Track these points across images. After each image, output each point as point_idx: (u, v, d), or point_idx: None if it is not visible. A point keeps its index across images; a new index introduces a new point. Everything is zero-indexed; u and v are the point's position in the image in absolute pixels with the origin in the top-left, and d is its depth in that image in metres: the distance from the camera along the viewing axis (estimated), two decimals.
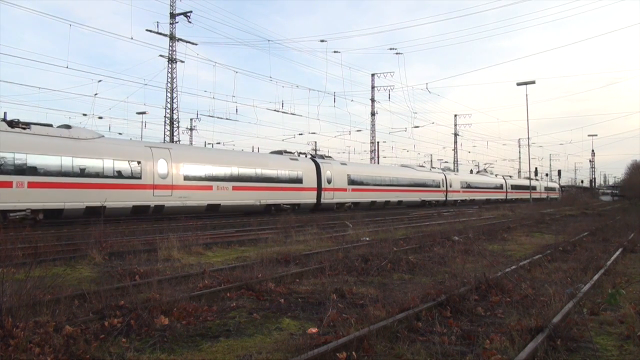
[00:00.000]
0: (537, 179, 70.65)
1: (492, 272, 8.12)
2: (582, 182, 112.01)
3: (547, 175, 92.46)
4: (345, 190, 33.17)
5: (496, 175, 63.82)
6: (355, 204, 34.22)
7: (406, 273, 9.33)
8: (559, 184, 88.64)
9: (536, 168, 65.60)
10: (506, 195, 59.71)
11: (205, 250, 11.92)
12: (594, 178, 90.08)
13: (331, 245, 12.68)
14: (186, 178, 23.19)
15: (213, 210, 24.64)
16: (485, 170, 67.29)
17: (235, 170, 25.71)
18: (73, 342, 4.59)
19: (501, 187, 59.73)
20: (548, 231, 18.76)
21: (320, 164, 31.61)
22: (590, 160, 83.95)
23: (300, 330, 5.46)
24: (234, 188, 25.40)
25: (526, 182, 65.34)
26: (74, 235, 14.79)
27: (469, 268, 8.94)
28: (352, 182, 33.93)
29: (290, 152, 31.92)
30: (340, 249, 11.39)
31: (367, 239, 13.91)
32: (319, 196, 30.94)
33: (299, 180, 29.36)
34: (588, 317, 5.67)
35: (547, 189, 75.82)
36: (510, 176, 67.44)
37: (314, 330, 5.27)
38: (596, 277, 8.22)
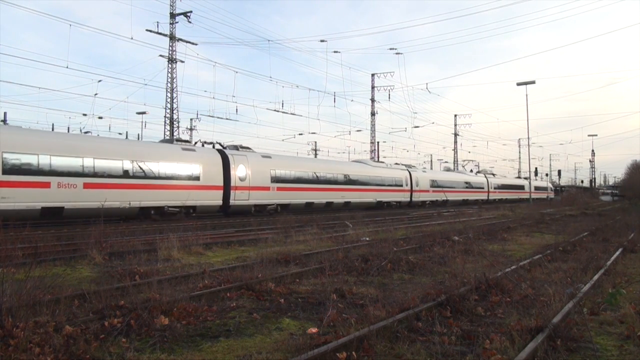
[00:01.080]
0: (526, 178, 66.89)
1: (492, 272, 8.12)
2: (582, 182, 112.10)
3: (547, 175, 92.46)
4: (267, 189, 27.31)
5: (477, 173, 57.74)
6: (283, 205, 28.28)
7: (406, 273, 9.33)
8: (551, 183, 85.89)
9: (536, 168, 65.56)
10: (488, 196, 54.15)
11: (205, 250, 11.93)
12: (594, 178, 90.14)
13: (331, 245, 12.68)
14: (6, 170, 17.09)
15: (52, 215, 18.49)
16: (464, 167, 64.04)
17: (89, 161, 19.43)
18: (73, 342, 4.59)
19: (482, 186, 53.20)
20: (548, 231, 18.76)
21: (230, 156, 25.48)
22: (590, 160, 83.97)
23: (300, 330, 5.46)
24: (86, 185, 19.29)
25: (512, 181, 63.20)
26: (74, 235, 14.78)
27: (469, 268, 8.94)
28: (277, 179, 27.94)
29: (186, 141, 26.59)
30: (340, 249, 11.39)
31: (367, 239, 13.91)
32: (227, 196, 24.99)
33: (194, 177, 23.44)
34: (588, 317, 5.67)
35: (538, 188, 70.83)
36: (494, 174, 61.08)
37: (314, 330, 5.27)
38: (596, 277, 8.22)
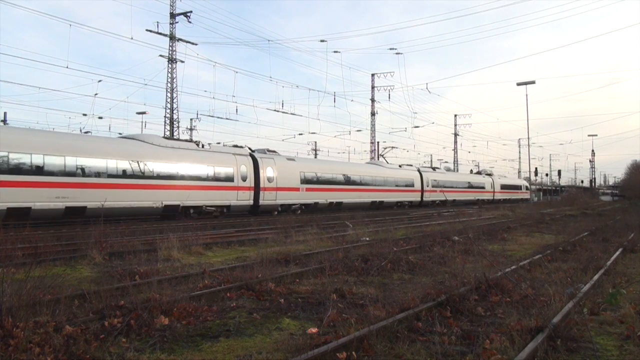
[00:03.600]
0: (489, 174, 60.32)
1: (492, 272, 8.11)
2: (582, 182, 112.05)
3: (547, 175, 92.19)
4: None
5: (400, 166, 43.74)
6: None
7: (406, 273, 9.33)
8: (525, 180, 74.54)
9: (536, 168, 65.12)
10: (421, 196, 43.29)
11: (205, 250, 11.92)
12: (594, 178, 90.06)
13: (331, 245, 12.68)
14: None
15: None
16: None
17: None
18: (73, 342, 4.59)
19: (412, 184, 41.98)
20: (548, 231, 18.77)
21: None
22: (590, 160, 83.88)
23: (300, 330, 5.46)
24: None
25: (466, 178, 54.28)
26: (74, 235, 14.78)
27: (469, 268, 8.93)
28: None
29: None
30: (340, 249, 11.39)
31: (367, 239, 13.91)
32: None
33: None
34: (588, 317, 5.66)
35: (507, 187, 62.73)
36: (434, 168, 50.79)
37: (314, 330, 5.27)
38: (596, 277, 8.22)
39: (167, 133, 37.34)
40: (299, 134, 53.99)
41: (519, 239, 16.03)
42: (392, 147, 51.66)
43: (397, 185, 39.40)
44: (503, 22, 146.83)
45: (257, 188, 26.55)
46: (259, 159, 27.13)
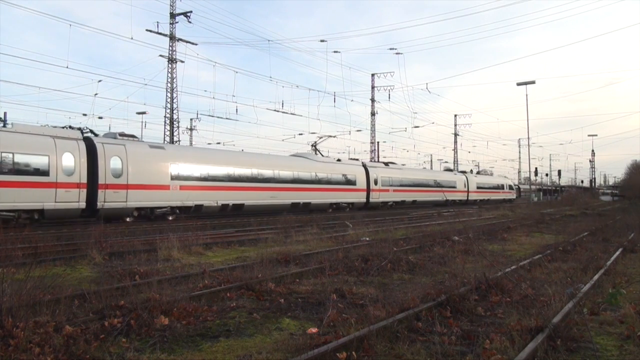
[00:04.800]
0: (463, 172, 55.08)
1: (492, 272, 8.12)
2: (582, 182, 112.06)
3: (547, 175, 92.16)
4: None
5: (339, 160, 36.50)
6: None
7: (406, 273, 9.32)
8: (507, 177, 68.93)
9: (536, 168, 64.77)
10: (368, 197, 36.07)
11: (205, 250, 11.92)
12: (594, 178, 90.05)
13: (331, 245, 12.68)
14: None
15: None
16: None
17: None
18: (73, 342, 4.59)
19: (352, 181, 34.56)
20: (548, 231, 18.77)
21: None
22: (590, 160, 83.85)
23: (300, 330, 5.46)
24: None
25: (432, 175, 47.05)
26: (74, 235, 14.79)
27: (469, 268, 8.94)
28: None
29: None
30: (340, 249, 11.39)
31: (367, 239, 13.91)
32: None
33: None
34: (588, 317, 5.66)
35: (485, 186, 56.10)
36: (388, 163, 41.91)
37: (314, 330, 5.27)
38: (596, 277, 8.22)
39: (167, 133, 37.35)
40: (299, 134, 53.89)
41: (519, 239, 16.03)
42: (329, 136, 38.83)
43: (331, 183, 32.17)
44: (503, 22, 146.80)
45: (92, 185, 19.66)
46: (98, 146, 20.12)
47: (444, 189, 46.01)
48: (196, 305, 6.15)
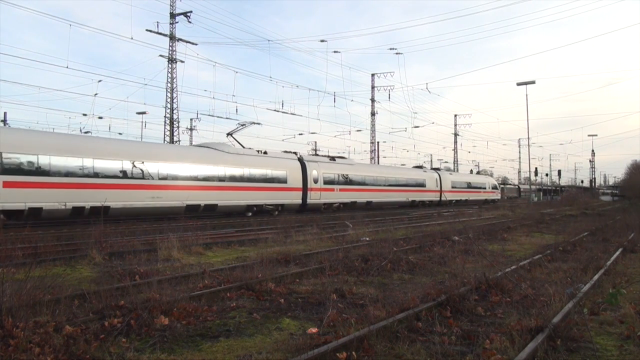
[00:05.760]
0: (437, 169, 51.52)
1: (492, 272, 8.12)
2: (582, 182, 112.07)
3: (547, 175, 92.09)
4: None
5: (266, 152, 28.99)
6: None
7: (406, 273, 9.32)
8: (489, 175, 64.84)
9: (536, 168, 64.68)
10: (304, 197, 30.25)
11: (205, 250, 11.92)
12: (594, 178, 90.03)
13: (331, 245, 12.68)
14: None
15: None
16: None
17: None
18: (73, 342, 4.58)
19: (281, 179, 28.73)
20: (548, 231, 18.76)
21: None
22: (590, 160, 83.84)
23: (300, 330, 5.46)
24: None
25: (394, 173, 40.99)
26: (74, 235, 14.79)
27: (469, 268, 8.94)
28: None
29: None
30: (340, 249, 11.39)
31: (367, 239, 13.91)
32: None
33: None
34: (588, 317, 5.66)
35: (463, 185, 51.20)
36: (334, 158, 35.78)
37: (314, 330, 5.27)
38: (596, 277, 8.22)
39: (167, 133, 37.33)
40: (299, 134, 53.85)
41: (519, 239, 16.03)
42: (253, 123, 30.84)
43: (251, 181, 26.54)
44: (503, 22, 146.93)
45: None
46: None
47: (409, 188, 40.69)
48: (196, 305, 6.15)
